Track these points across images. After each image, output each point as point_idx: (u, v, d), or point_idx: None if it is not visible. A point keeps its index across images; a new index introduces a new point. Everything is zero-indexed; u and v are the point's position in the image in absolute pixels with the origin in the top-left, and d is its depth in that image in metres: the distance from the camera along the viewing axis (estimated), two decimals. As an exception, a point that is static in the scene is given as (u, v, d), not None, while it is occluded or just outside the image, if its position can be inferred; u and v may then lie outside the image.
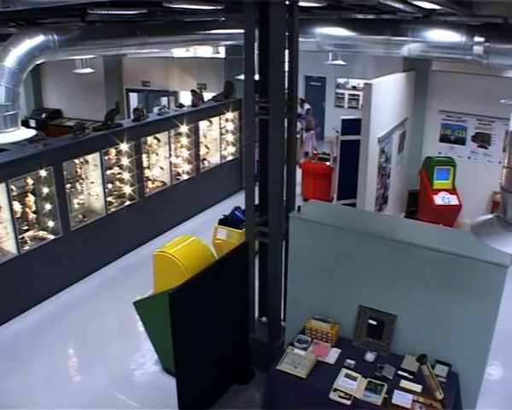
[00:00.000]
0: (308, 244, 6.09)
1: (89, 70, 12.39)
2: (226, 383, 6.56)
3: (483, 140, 11.35)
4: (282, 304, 6.82)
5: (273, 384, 5.53)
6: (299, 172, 12.57)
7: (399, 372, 5.43)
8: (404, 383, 5.26)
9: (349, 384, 5.23)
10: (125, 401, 6.51)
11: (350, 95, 20.11)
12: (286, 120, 6.36)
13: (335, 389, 5.17)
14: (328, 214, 6.35)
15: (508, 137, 3.98)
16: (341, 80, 20.09)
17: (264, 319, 7.20)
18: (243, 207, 7.04)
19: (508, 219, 3.77)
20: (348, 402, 5.07)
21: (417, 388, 5.17)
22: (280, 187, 6.30)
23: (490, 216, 4.02)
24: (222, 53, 15.15)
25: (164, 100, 16.65)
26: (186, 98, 14.59)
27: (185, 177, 11.76)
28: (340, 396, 5.12)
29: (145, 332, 6.99)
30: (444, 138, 11.64)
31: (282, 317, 6.87)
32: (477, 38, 7.87)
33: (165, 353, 6.54)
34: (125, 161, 9.97)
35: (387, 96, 9.40)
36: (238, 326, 6.51)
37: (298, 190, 12.30)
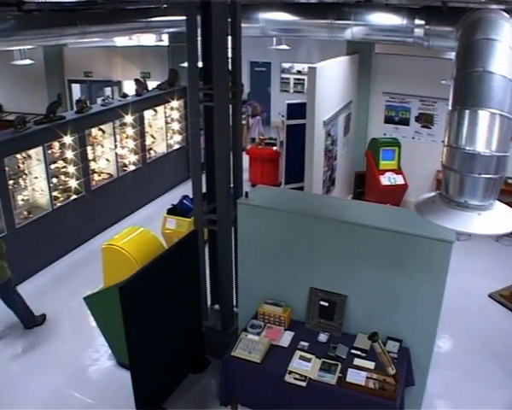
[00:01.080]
0: (257, 229, 6.10)
1: (28, 61, 11.95)
2: (182, 373, 6.54)
3: (426, 120, 11.64)
4: (234, 290, 6.84)
5: (228, 371, 5.54)
6: (246, 158, 12.60)
7: (352, 351, 5.53)
8: (357, 362, 5.35)
9: (303, 366, 5.29)
10: (80, 399, 6.39)
11: (295, 79, 20.25)
12: (231, 107, 6.33)
13: (290, 372, 5.22)
14: (275, 199, 6.36)
15: (448, 116, 4.07)
16: (286, 65, 20.18)
17: (216, 306, 7.20)
18: (191, 196, 6.99)
19: (449, 195, 3.86)
20: (303, 384, 5.13)
21: (370, 365, 5.28)
22: (227, 174, 6.28)
23: (432, 194, 4.11)
24: (165, 41, 14.98)
25: (107, 90, 16.42)
26: (130, 88, 14.36)
27: (132, 168, 11.60)
28: (295, 378, 5.18)
29: (97, 327, 6.88)
30: (388, 120, 11.89)
31: (235, 303, 6.89)
32: (417, 21, 8.02)
33: (118, 347, 6.46)
34: (69, 155, 9.73)
35: (332, 79, 9.47)
36: (191, 315, 6.49)
37: (245, 176, 12.33)
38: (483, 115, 3.75)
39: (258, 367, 5.37)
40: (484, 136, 3.74)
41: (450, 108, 4.03)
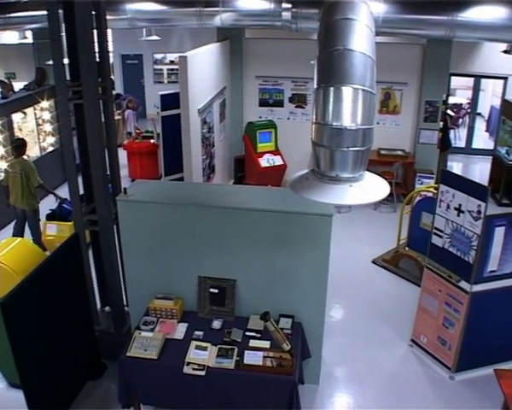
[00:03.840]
0: (139, 225, 5.99)
1: None
2: (79, 382, 6.29)
3: (300, 100, 12.02)
4: (124, 289, 6.70)
5: (126, 372, 5.43)
6: (124, 153, 12.37)
7: (247, 333, 5.63)
8: (252, 343, 5.45)
9: (200, 355, 5.30)
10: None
11: (169, 69, 20.02)
12: (102, 103, 6.15)
13: (188, 363, 5.22)
14: (155, 192, 6.28)
15: (314, 94, 4.21)
16: (158, 56, 19.91)
17: (107, 308, 7.01)
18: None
19: (321, 171, 3.98)
20: (202, 373, 5.15)
21: (266, 344, 5.39)
22: (103, 172, 6.10)
23: (305, 171, 4.23)
24: (29, 38, 14.29)
25: (-32, 95, 15.36)
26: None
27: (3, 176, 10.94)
28: (193, 369, 5.19)
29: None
30: (263, 103, 12.13)
31: (126, 302, 6.75)
32: (285, 5, 8.17)
33: (7, 367, 6.08)
34: None
35: (204, 66, 9.47)
36: (82, 321, 6.26)
37: (125, 172, 12.09)
38: (347, 91, 3.90)
39: (155, 363, 5.32)
40: (349, 111, 3.89)
41: (315, 86, 4.17)
